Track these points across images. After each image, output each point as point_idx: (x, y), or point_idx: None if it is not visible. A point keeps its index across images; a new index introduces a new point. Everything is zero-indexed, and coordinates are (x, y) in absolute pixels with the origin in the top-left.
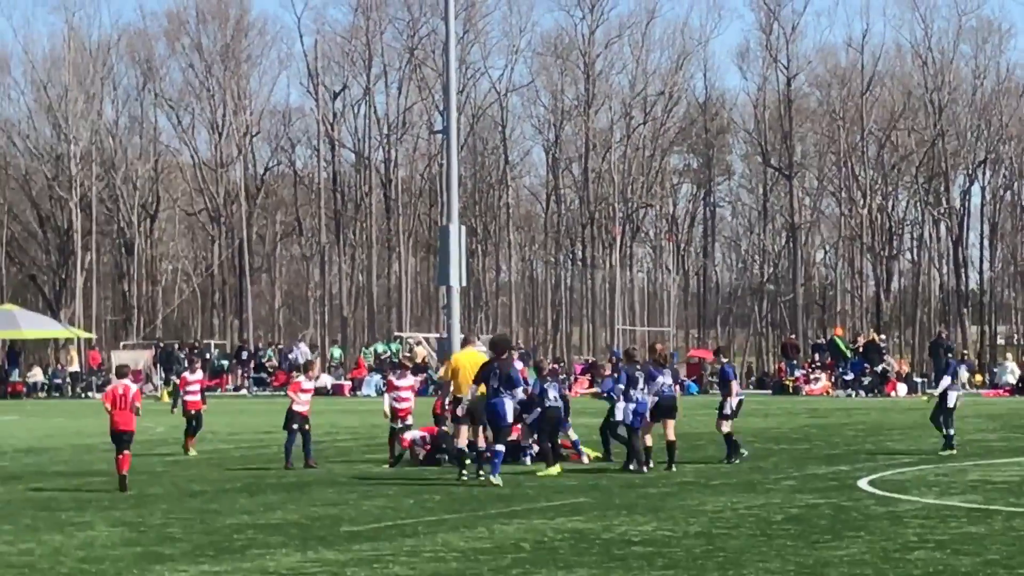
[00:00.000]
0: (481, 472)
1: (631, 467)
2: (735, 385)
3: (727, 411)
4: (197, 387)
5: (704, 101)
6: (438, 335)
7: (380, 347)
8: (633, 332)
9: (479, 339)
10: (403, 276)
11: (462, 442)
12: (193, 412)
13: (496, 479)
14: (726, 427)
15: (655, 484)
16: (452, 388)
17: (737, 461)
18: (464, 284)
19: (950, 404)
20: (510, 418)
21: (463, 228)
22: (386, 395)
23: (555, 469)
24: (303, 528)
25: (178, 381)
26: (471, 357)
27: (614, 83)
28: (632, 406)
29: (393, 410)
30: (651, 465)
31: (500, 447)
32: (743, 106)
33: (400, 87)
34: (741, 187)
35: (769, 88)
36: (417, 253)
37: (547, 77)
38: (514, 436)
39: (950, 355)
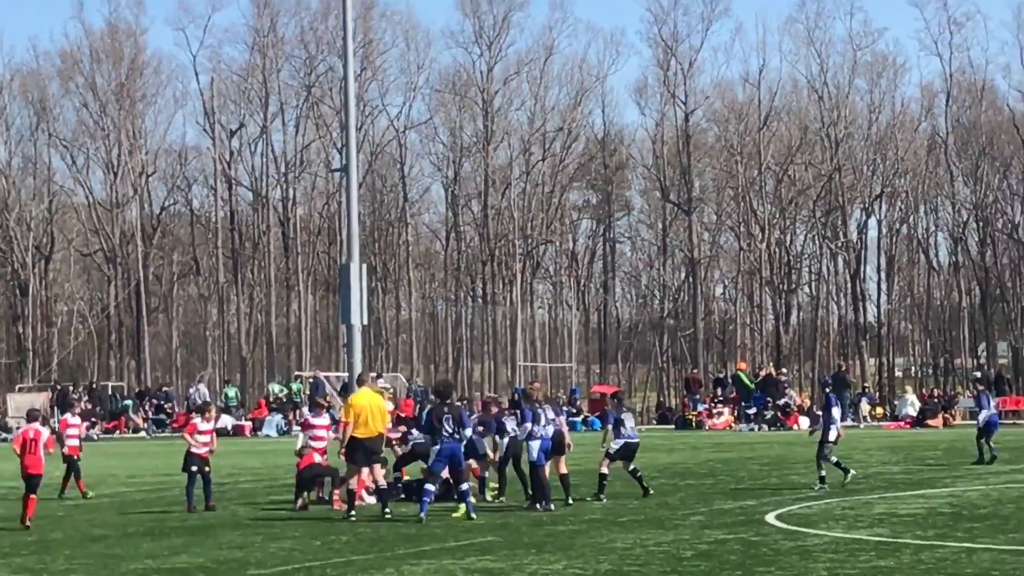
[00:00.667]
0: (387, 511)
1: (538, 506)
2: (621, 429)
3: (609, 450)
4: (76, 431)
5: (603, 137)
6: (313, 374)
7: (276, 387)
8: (535, 368)
9: (373, 378)
10: (302, 315)
11: (372, 482)
12: (74, 457)
13: (474, 514)
14: (604, 467)
15: (563, 522)
16: (351, 429)
17: (604, 500)
18: (365, 322)
19: (831, 438)
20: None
21: (363, 266)
22: (301, 433)
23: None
24: (209, 572)
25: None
26: (368, 397)
27: (513, 119)
28: (537, 443)
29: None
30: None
31: (465, 486)
32: (641, 141)
33: (297, 125)
34: (640, 222)
35: (667, 123)
36: (316, 291)
37: (445, 114)
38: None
39: (828, 389)
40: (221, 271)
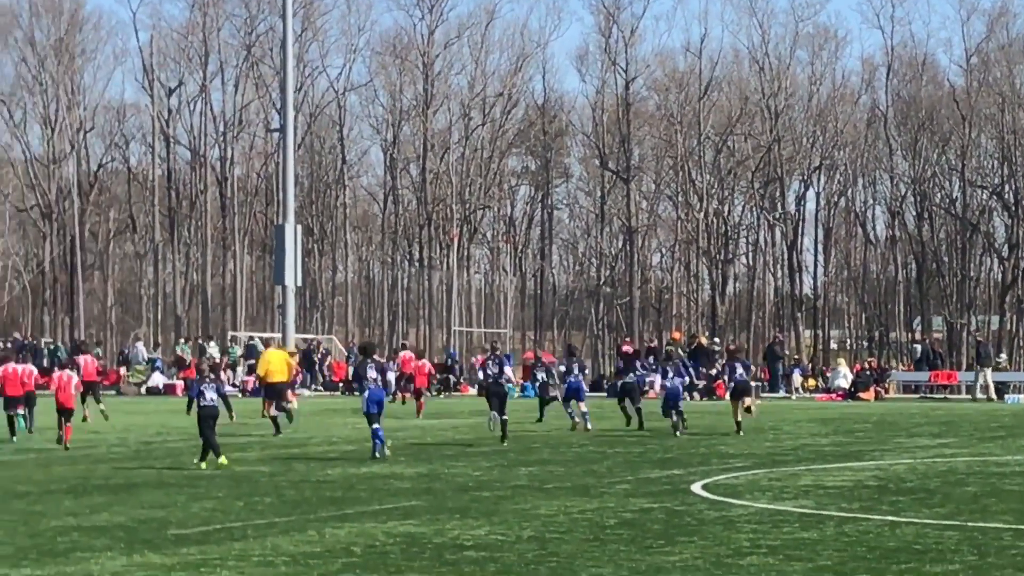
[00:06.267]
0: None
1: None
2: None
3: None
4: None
5: (543, 103)
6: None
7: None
8: (470, 334)
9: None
10: (238, 275)
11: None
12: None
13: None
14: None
15: (489, 487)
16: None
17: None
18: (300, 284)
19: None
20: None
21: (299, 228)
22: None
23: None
24: (129, 531)
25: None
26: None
27: (453, 84)
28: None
29: None
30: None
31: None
32: (581, 109)
33: (237, 84)
34: (579, 190)
35: (607, 91)
36: (253, 252)
37: (386, 77)
38: None
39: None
40: (157, 229)
